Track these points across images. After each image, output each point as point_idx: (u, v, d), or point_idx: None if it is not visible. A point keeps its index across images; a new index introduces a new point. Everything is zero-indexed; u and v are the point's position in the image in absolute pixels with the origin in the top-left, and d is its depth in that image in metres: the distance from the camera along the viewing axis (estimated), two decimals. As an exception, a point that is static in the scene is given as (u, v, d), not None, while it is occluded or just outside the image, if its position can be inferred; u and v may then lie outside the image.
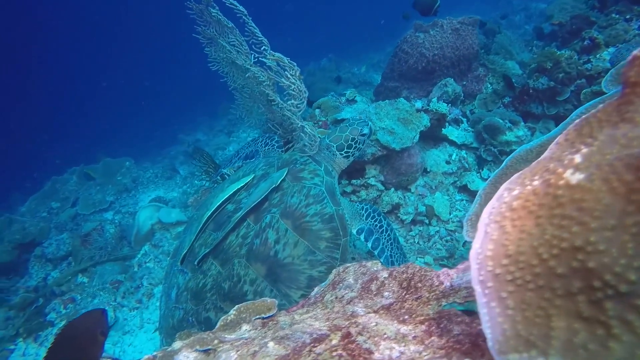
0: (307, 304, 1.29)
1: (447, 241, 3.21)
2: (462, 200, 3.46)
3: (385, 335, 0.74)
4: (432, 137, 3.69)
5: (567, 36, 4.62)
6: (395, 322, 0.81)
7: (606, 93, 1.69)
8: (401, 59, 4.35)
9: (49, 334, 3.75)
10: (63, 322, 3.82)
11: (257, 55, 2.96)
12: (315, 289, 1.40)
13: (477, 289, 0.61)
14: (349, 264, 1.35)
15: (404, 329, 0.78)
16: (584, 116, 0.74)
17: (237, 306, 1.32)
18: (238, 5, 2.81)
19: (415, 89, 4.41)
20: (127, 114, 15.48)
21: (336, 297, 1.16)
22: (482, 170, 3.60)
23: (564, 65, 3.54)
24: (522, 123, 3.58)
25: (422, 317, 0.82)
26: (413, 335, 0.75)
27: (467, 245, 3.17)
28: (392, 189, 3.39)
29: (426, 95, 4.37)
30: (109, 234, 5.48)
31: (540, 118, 3.84)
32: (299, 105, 2.58)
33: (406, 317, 0.86)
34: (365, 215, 2.80)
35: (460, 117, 3.93)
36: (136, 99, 16.76)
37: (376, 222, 2.78)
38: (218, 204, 2.65)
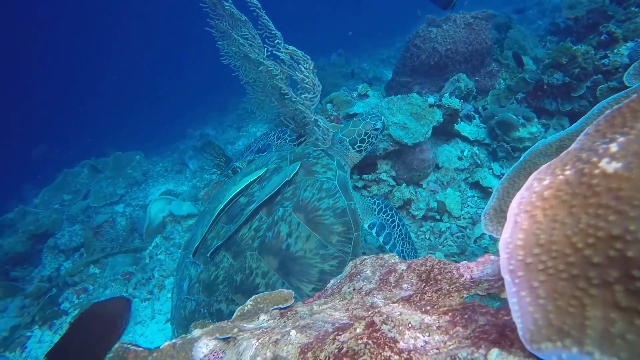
0: (323, 295, 1.29)
1: (458, 237, 3.20)
2: (474, 196, 3.43)
3: (410, 325, 0.74)
4: (444, 132, 3.67)
5: (583, 31, 4.54)
6: (419, 312, 0.81)
7: (629, 87, 1.66)
8: (413, 53, 4.32)
9: (63, 322, 3.82)
10: (77, 311, 3.88)
11: (270, 48, 2.96)
12: (332, 281, 1.40)
13: (507, 278, 0.60)
14: (365, 256, 1.35)
15: (427, 319, 0.78)
16: (615, 107, 0.73)
17: (253, 297, 1.33)
18: (252, -2, 2.80)
19: (427, 84, 4.38)
20: (137, 109, 15.59)
21: (354, 289, 1.16)
22: (494, 166, 3.57)
23: (580, 60, 3.49)
24: (536, 119, 3.54)
25: (445, 308, 0.82)
26: (437, 325, 0.75)
27: (478, 242, 3.15)
28: (404, 184, 3.37)
29: (438, 90, 4.34)
30: (120, 226, 5.54)
31: (554, 114, 3.79)
32: (312, 99, 2.58)
33: (428, 307, 0.85)
34: (377, 209, 2.79)
35: (472, 112, 3.89)
36: (146, 94, 16.87)
37: (388, 217, 2.78)
38: (231, 196, 2.66)
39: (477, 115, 3.98)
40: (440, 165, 3.54)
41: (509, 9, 10.04)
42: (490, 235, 2.99)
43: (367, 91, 3.69)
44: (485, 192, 3.41)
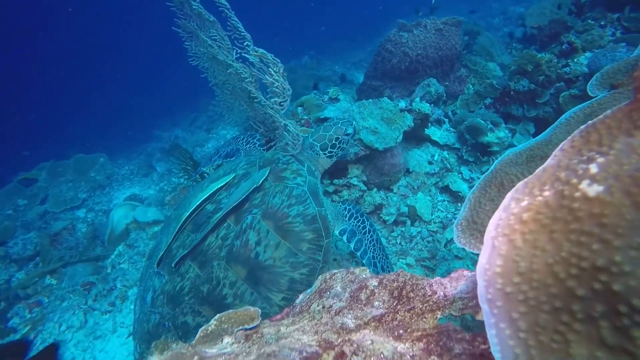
0: (292, 312, 1.23)
1: (428, 242, 3.20)
2: (444, 200, 3.45)
3: (382, 356, 0.69)
4: (414, 137, 3.68)
5: (546, 39, 4.69)
6: (391, 338, 0.76)
7: (591, 96, 1.69)
8: (384, 58, 4.32)
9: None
10: (27, 328, 3.63)
11: (239, 50, 2.87)
12: (300, 296, 1.34)
13: (485, 307, 0.56)
14: (335, 270, 1.30)
15: (401, 347, 0.73)
16: (589, 122, 0.71)
17: (218, 315, 1.25)
18: (220, -2, 2.70)
19: (398, 88, 4.39)
20: (101, 110, 14.99)
21: (323, 307, 1.10)
22: (463, 170, 3.61)
23: (544, 68, 3.58)
24: (504, 124, 3.61)
25: (419, 333, 0.77)
26: (411, 354, 0.70)
27: (448, 246, 3.17)
28: (375, 189, 3.36)
29: (409, 94, 4.37)
30: (80, 233, 5.26)
31: (520, 120, 3.88)
32: (282, 103, 2.51)
33: (401, 331, 0.81)
34: (348, 215, 2.75)
35: (442, 117, 3.93)
36: (111, 95, 16.25)
37: (359, 223, 2.74)
38: (197, 203, 2.55)
39: (446, 119, 4.03)
40: (411, 170, 3.55)
41: (473, 16, 10.32)
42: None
43: (338, 95, 3.65)
44: (455, 197, 3.44)
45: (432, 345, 0.72)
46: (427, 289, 1.01)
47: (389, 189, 3.43)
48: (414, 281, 1.05)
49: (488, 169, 3.52)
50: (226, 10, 2.78)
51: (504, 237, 0.58)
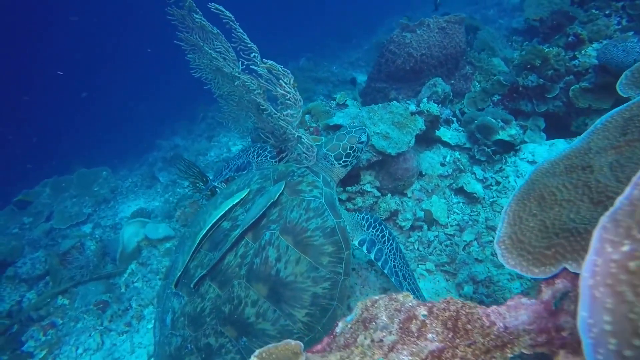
0: (335, 344, 1.18)
1: (446, 246, 3.16)
2: (459, 202, 3.41)
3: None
4: (425, 139, 3.63)
5: (548, 32, 4.64)
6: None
7: (621, 94, 1.64)
8: (388, 59, 4.27)
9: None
10: (44, 352, 3.58)
11: (245, 62, 2.82)
12: (340, 325, 1.29)
13: (593, 368, 0.51)
14: (376, 298, 1.25)
15: None
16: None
17: (257, 352, 1.20)
18: (224, 10, 2.65)
19: (403, 89, 4.34)
20: (99, 121, 14.93)
21: (372, 340, 1.06)
22: (476, 170, 3.56)
23: (553, 62, 3.54)
24: (514, 121, 3.56)
25: (497, 380, 0.72)
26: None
27: (467, 249, 3.12)
28: (389, 195, 3.31)
29: (415, 95, 4.32)
30: (89, 251, 5.21)
31: (529, 115, 3.83)
32: (295, 115, 2.46)
33: (472, 375, 0.76)
34: (366, 225, 2.71)
35: (451, 117, 3.88)
36: (109, 104, 16.18)
37: (378, 232, 2.70)
38: (213, 221, 2.50)
39: (454, 119, 3.98)
40: (423, 173, 3.50)
41: (470, 9, 10.27)
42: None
43: (346, 100, 3.61)
44: (470, 198, 3.39)
45: (517, 396, 0.67)
46: (484, 319, 0.96)
47: (403, 194, 3.38)
48: (467, 310, 1.00)
49: (501, 167, 3.48)
50: (231, 22, 2.73)
51: (606, 287, 0.53)
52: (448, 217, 3.28)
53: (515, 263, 1.11)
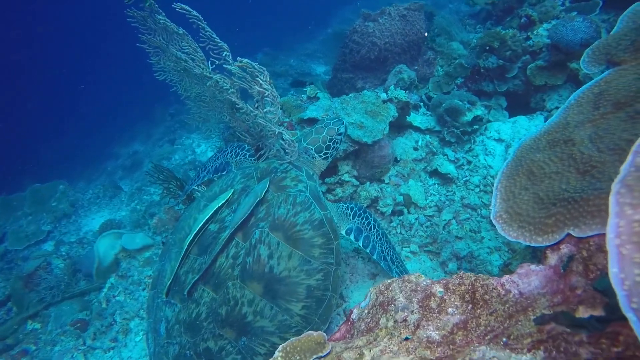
0: (356, 331, 1.22)
1: (427, 227, 3.28)
2: (435, 184, 3.54)
3: (517, 374, 0.70)
4: (396, 125, 3.72)
5: (501, 14, 4.86)
6: (507, 350, 0.78)
7: (586, 71, 1.77)
8: (353, 49, 4.33)
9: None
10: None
11: (216, 61, 2.77)
12: (355, 311, 1.33)
13: (632, 316, 0.58)
14: (388, 281, 1.30)
15: (523, 358, 0.74)
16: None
17: (281, 347, 1.22)
18: (191, 10, 2.59)
19: (369, 78, 4.42)
20: (48, 133, 14.06)
21: (395, 321, 1.10)
22: (448, 151, 3.70)
23: (510, 43, 3.72)
24: (479, 102, 3.72)
25: (530, 340, 0.79)
26: (542, 367, 0.72)
27: (446, 228, 3.26)
28: (368, 183, 3.38)
29: (381, 83, 4.41)
30: (58, 270, 4.96)
31: (492, 95, 4.02)
32: (274, 112, 2.45)
33: (504, 339, 0.82)
34: (351, 214, 2.76)
35: (418, 102, 4.00)
36: (57, 115, 15.26)
37: (363, 220, 2.76)
38: (199, 225, 2.46)
39: (421, 103, 4.10)
40: (398, 159, 3.60)
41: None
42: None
43: (317, 93, 3.62)
44: (444, 179, 3.53)
45: (554, 352, 0.73)
46: (499, 288, 1.03)
47: (380, 181, 3.47)
48: (482, 282, 1.07)
49: (470, 147, 3.64)
50: (198, 22, 2.67)
51: (633, 244, 0.60)
52: (426, 199, 3.40)
53: (517, 234, 1.19)
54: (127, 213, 6.80)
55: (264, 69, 2.45)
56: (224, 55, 2.67)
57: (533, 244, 1.12)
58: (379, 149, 3.32)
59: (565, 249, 1.01)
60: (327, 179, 3.38)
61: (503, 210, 1.34)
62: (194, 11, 2.61)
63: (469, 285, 1.08)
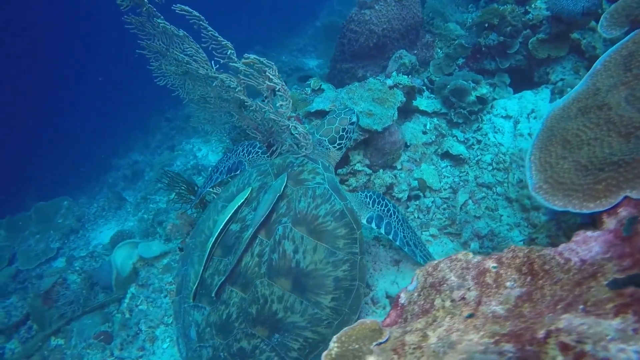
0: (410, 314, 1.21)
1: (444, 209, 3.28)
2: (447, 166, 3.53)
3: (609, 337, 0.69)
4: (402, 110, 3.69)
5: (494, -10, 4.82)
6: (592, 316, 0.77)
7: (605, 36, 1.76)
8: (351, 39, 4.30)
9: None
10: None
11: (220, 60, 2.75)
12: (403, 295, 1.32)
13: None
14: (434, 262, 1.29)
15: (615, 324, 0.73)
16: None
17: (335, 337, 1.21)
18: (192, 11, 2.56)
19: (370, 66, 4.40)
20: (46, 150, 13.98)
21: (453, 300, 1.10)
22: (456, 133, 3.69)
23: (509, 18, 3.70)
24: (483, 81, 3.71)
25: (612, 305, 0.78)
26: (632, 328, 0.71)
27: (463, 208, 3.25)
28: (381, 170, 3.37)
29: (382, 70, 4.38)
30: (75, 285, 4.95)
31: (494, 73, 4.01)
32: (287, 106, 2.43)
33: (581, 307, 0.81)
34: (370, 202, 2.75)
35: (421, 86, 3.98)
36: (53, 132, 15.14)
37: (383, 207, 2.75)
38: (221, 226, 2.45)
39: (424, 87, 4.08)
40: (408, 144, 3.59)
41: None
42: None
43: (321, 85, 3.60)
44: (456, 160, 3.52)
45: (640, 314, 0.73)
46: (558, 258, 1.02)
47: (393, 167, 3.46)
48: (537, 253, 1.06)
49: (478, 126, 3.62)
50: (200, 22, 2.64)
51: None
52: (440, 182, 3.39)
53: (565, 203, 1.18)
54: (134, 223, 6.78)
55: (272, 63, 2.43)
56: (228, 53, 2.64)
57: (584, 211, 1.11)
58: (389, 135, 3.30)
59: (624, 212, 1.00)
60: (339, 170, 3.36)
61: (542, 181, 1.33)
62: (195, 11, 2.58)
63: (523, 257, 1.08)
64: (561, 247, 1.03)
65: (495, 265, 1.11)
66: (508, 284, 1.05)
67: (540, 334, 0.74)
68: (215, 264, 2.49)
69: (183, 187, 3.66)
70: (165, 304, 3.40)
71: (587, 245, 0.99)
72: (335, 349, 1.17)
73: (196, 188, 3.68)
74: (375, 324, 1.19)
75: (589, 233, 1.02)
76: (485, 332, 0.89)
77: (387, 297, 2.75)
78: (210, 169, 7.22)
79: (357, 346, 1.12)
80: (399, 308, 1.29)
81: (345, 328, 1.22)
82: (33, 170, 12.28)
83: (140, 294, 3.56)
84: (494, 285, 1.06)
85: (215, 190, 3.12)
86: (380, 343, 1.09)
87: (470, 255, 1.23)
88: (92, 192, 9.38)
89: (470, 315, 1.01)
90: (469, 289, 1.09)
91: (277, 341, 2.34)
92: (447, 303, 1.10)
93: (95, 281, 4.57)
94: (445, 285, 1.16)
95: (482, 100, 3.55)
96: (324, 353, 1.19)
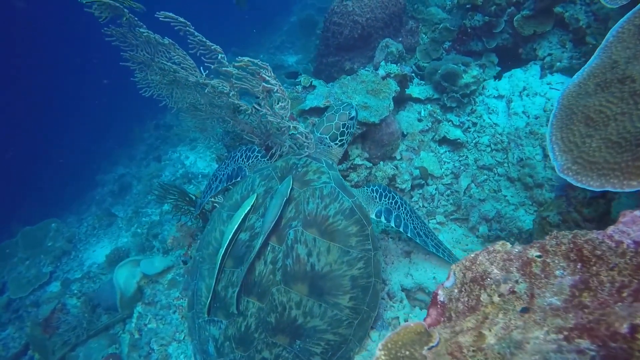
0: (454, 312, 1.17)
1: (448, 195, 3.26)
2: (446, 151, 3.52)
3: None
4: (395, 99, 3.65)
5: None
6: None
7: (608, 5, 1.73)
8: (335, 31, 4.23)
9: None
10: None
11: (210, 66, 2.66)
12: (442, 293, 1.28)
13: None
14: (471, 255, 1.25)
15: None
16: None
17: (380, 345, 1.16)
18: (177, 17, 2.46)
19: (357, 57, 4.34)
20: (27, 170, 13.57)
21: (501, 295, 1.06)
22: (451, 117, 3.68)
23: (493, -3, 3.68)
24: (473, 62, 3.69)
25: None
26: None
27: (467, 193, 3.24)
28: (381, 162, 3.33)
29: (369, 61, 4.33)
30: (75, 309, 4.82)
31: (482, 54, 3.99)
32: (286, 107, 2.36)
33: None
34: (377, 196, 2.71)
35: (411, 73, 3.94)
36: (32, 151, 14.71)
37: (390, 200, 2.72)
38: (229, 237, 2.38)
39: (413, 74, 4.05)
40: (405, 133, 3.55)
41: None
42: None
43: (311, 81, 3.53)
44: (454, 145, 3.50)
45: None
46: (608, 241, 0.99)
47: (392, 158, 3.42)
48: (584, 238, 1.03)
49: (472, 109, 3.60)
50: (186, 29, 2.54)
51: None
52: (441, 168, 3.37)
53: (602, 183, 1.15)
54: (128, 239, 6.63)
55: (267, 64, 2.35)
56: (218, 57, 2.56)
57: (626, 190, 1.08)
58: (387, 127, 3.26)
59: (671, 187, 0.98)
60: (339, 167, 3.31)
61: (570, 162, 1.30)
62: (180, 17, 2.48)
63: (568, 243, 1.04)
64: (610, 229, 1.00)
65: (539, 254, 1.08)
66: (557, 272, 1.01)
67: (624, 328, 0.71)
68: (228, 276, 2.42)
69: (180, 198, 3.56)
70: (176, 320, 3.31)
71: (638, 226, 0.97)
72: (383, 357, 1.12)
73: (194, 197, 3.59)
74: (421, 326, 1.15)
75: (637, 212, 0.99)
76: (549, 328, 0.86)
77: (403, 290, 2.72)
78: (200, 176, 7.10)
79: (407, 352, 1.07)
80: (439, 306, 1.25)
81: (389, 334, 1.18)
82: (15, 196, 11.91)
83: (148, 313, 3.46)
84: (543, 276, 1.03)
85: (216, 200, 3.04)
86: (432, 347, 1.05)
87: (508, 245, 1.19)
88: (80, 211, 9.15)
89: (524, 310, 0.97)
90: (517, 282, 1.05)
91: (299, 347, 2.29)
92: (496, 298, 1.06)
93: (97, 303, 4.45)
94: (488, 279, 1.13)
95: (472, 84, 3.53)
96: (371, 363, 1.14)
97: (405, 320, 2.56)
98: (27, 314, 5.87)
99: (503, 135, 3.41)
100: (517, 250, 1.13)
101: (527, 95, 3.46)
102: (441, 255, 2.67)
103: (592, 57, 1.51)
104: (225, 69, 2.52)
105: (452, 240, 2.97)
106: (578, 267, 0.99)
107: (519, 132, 3.30)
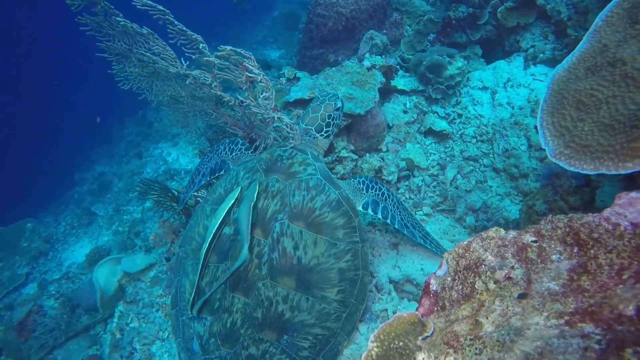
0: (447, 301, 1.14)
1: (435, 186, 3.25)
2: (432, 143, 3.50)
3: None
4: (380, 91, 3.62)
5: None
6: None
7: None
8: (319, 23, 4.16)
9: None
10: None
11: (191, 56, 2.57)
12: (434, 282, 1.25)
13: None
14: (464, 242, 1.22)
15: None
16: None
17: (372, 337, 1.12)
18: (156, 5, 2.36)
19: (341, 50, 4.29)
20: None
21: (497, 281, 1.03)
22: (437, 109, 3.67)
23: (477, -11, 3.68)
24: (458, 54, 3.68)
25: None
26: None
27: (453, 184, 3.24)
28: (367, 154, 3.30)
29: (353, 53, 4.28)
30: (53, 311, 4.64)
31: (466, 45, 3.99)
32: (270, 97, 2.30)
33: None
34: (364, 188, 2.67)
35: (396, 65, 3.91)
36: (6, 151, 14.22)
37: (377, 192, 2.68)
38: (213, 232, 2.30)
39: (398, 66, 4.02)
40: (390, 125, 3.53)
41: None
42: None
43: (295, 73, 3.46)
44: (440, 136, 3.49)
45: None
46: (604, 224, 0.97)
47: (378, 150, 3.39)
48: (580, 221, 1.01)
49: (457, 100, 3.60)
50: (166, 17, 2.44)
51: None
52: (427, 160, 3.36)
53: (596, 166, 1.13)
54: (109, 237, 6.46)
55: (250, 53, 2.28)
56: (200, 47, 2.47)
57: (621, 172, 1.06)
58: (372, 118, 3.23)
59: (667, 167, 0.96)
60: (324, 159, 3.27)
61: (562, 146, 1.28)
62: (159, 6, 2.38)
63: (564, 227, 1.02)
64: (606, 211, 0.98)
65: (534, 239, 1.05)
66: (554, 257, 0.99)
67: (630, 310, 0.68)
68: (212, 271, 2.36)
69: (162, 194, 3.46)
70: (159, 318, 3.22)
71: (635, 208, 0.95)
72: (375, 349, 1.08)
73: (177, 193, 3.49)
74: (414, 316, 1.11)
75: (633, 194, 0.97)
76: (549, 313, 0.83)
77: (391, 282, 2.69)
78: (182, 172, 6.96)
79: (400, 343, 1.03)
80: (431, 295, 1.22)
81: (381, 325, 1.14)
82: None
83: (130, 312, 3.35)
84: (539, 260, 1.00)
85: (199, 195, 2.95)
86: (427, 337, 1.01)
87: (502, 231, 1.17)
88: (58, 211, 8.88)
89: (522, 296, 0.95)
90: (513, 268, 1.02)
91: (286, 342, 2.24)
92: (491, 285, 1.03)
93: (77, 303, 4.30)
94: (483, 266, 1.10)
95: (457, 75, 3.52)
96: (363, 355, 1.10)
97: (394, 313, 2.53)
98: (1, 317, 5.65)
99: (488, 127, 3.41)
100: (511, 236, 1.10)
101: (512, 86, 3.48)
102: (429, 247, 2.65)
103: (581, 42, 1.49)
104: (207, 59, 2.43)
105: (439, 231, 2.96)
106: (575, 251, 0.97)
107: (504, 123, 3.31)
